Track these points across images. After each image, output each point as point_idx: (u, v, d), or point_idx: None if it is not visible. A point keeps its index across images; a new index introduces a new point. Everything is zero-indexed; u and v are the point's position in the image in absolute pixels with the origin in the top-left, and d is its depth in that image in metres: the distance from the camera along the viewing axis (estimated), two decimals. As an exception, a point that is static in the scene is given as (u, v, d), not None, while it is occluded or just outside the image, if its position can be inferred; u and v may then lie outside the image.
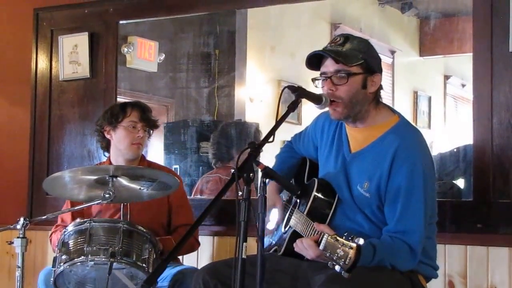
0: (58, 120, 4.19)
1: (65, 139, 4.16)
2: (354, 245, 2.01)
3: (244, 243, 2.02)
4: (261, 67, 5.19)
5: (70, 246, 2.79)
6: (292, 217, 2.56)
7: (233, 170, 2.07)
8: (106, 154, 3.39)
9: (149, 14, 4.08)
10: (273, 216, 2.69)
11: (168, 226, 3.34)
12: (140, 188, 2.93)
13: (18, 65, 4.36)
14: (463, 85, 6.10)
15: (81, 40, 4.10)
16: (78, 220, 2.89)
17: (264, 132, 3.24)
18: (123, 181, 2.88)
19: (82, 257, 2.74)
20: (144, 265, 2.79)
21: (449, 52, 5.80)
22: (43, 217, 2.97)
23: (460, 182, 3.75)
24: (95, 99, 4.08)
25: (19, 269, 2.82)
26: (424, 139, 2.51)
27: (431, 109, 6.24)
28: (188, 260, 3.47)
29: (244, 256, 2.02)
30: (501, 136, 3.06)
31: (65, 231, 2.85)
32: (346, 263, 2.00)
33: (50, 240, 3.32)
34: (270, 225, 2.68)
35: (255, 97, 5.09)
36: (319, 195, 2.50)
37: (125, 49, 4.32)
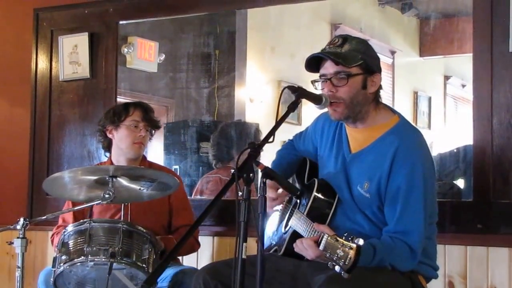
0: (58, 121, 4.19)
1: (65, 139, 4.16)
2: (354, 245, 2.01)
3: (244, 243, 2.02)
4: (261, 68, 5.19)
5: (70, 246, 2.79)
6: (292, 217, 2.56)
7: (233, 170, 2.07)
8: (107, 154, 3.40)
9: (149, 15, 4.08)
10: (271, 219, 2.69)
11: (168, 227, 3.34)
12: (140, 189, 2.93)
13: (18, 65, 4.36)
14: (463, 86, 6.09)
15: (81, 40, 4.10)
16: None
17: (264, 133, 3.24)
18: (123, 181, 2.88)
19: (82, 257, 2.74)
20: (144, 265, 2.79)
21: (449, 53, 5.80)
22: (43, 218, 2.97)
23: (460, 183, 3.75)
24: (95, 99, 4.08)
25: (19, 269, 2.82)
26: (424, 140, 2.51)
27: (431, 110, 6.24)
28: (188, 260, 3.47)
29: (244, 256, 2.02)
30: (501, 136, 3.06)
31: (64, 232, 2.85)
32: (346, 263, 2.00)
33: (52, 241, 3.32)
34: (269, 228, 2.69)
35: (255, 97, 5.09)
36: (319, 195, 2.50)
37: (125, 50, 4.32)
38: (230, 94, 4.94)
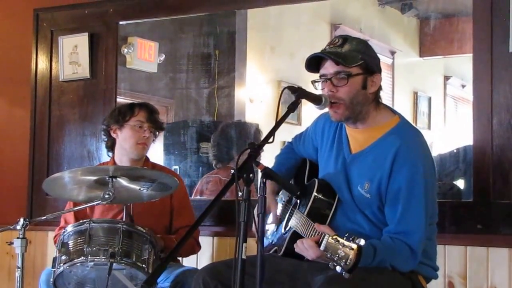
0: (58, 121, 4.19)
1: (65, 139, 4.16)
2: (355, 245, 2.01)
3: (244, 244, 2.02)
4: (261, 68, 5.19)
5: (69, 246, 2.79)
6: (292, 217, 2.56)
7: (233, 171, 2.07)
8: (110, 154, 3.40)
9: (149, 15, 4.08)
10: (268, 220, 2.69)
11: (170, 228, 3.35)
12: (140, 189, 2.93)
13: (18, 66, 4.36)
14: (463, 86, 6.09)
15: (81, 41, 4.10)
16: None
17: (264, 133, 3.24)
18: (123, 181, 2.88)
19: (82, 257, 2.74)
20: (144, 265, 2.79)
21: (449, 53, 5.80)
22: (43, 218, 2.97)
23: (460, 183, 3.75)
24: (95, 99, 4.08)
25: (19, 269, 2.82)
26: (425, 140, 2.51)
27: (431, 110, 6.24)
28: (188, 260, 3.47)
29: (244, 257, 2.02)
30: (501, 137, 3.06)
31: (64, 232, 2.85)
32: (347, 263, 2.00)
33: (55, 242, 3.32)
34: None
35: (255, 97, 5.09)
36: (319, 195, 2.50)
37: (125, 50, 4.32)
38: (230, 94, 4.93)
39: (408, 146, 2.40)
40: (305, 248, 2.29)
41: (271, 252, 2.64)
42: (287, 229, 2.58)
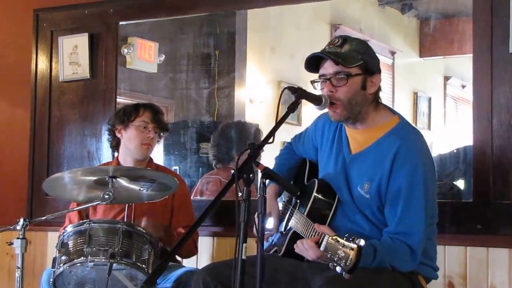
0: (58, 121, 4.19)
1: (65, 140, 4.16)
2: (355, 246, 2.01)
3: (244, 244, 2.02)
4: (261, 68, 5.19)
5: (69, 247, 2.79)
6: (292, 218, 2.56)
7: (233, 171, 2.07)
8: (115, 154, 3.41)
9: (149, 15, 4.08)
10: (268, 225, 2.69)
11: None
12: (139, 189, 2.93)
13: (18, 66, 4.36)
14: (463, 86, 6.10)
15: (81, 41, 4.10)
16: None
17: (264, 133, 3.24)
18: (123, 182, 2.88)
19: (82, 258, 2.74)
20: (143, 266, 2.79)
21: (449, 53, 5.80)
22: (43, 218, 2.97)
23: (460, 183, 3.75)
24: (95, 100, 4.08)
25: (19, 269, 2.82)
26: (425, 140, 2.51)
27: (431, 110, 6.25)
28: (188, 260, 3.46)
29: (244, 257, 2.02)
30: (501, 137, 3.06)
31: (64, 232, 2.85)
32: (347, 264, 2.00)
33: None
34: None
35: (255, 98, 5.09)
36: (319, 196, 2.49)
37: (125, 50, 4.32)
38: (230, 95, 4.94)
39: (407, 147, 2.40)
40: (305, 249, 2.29)
41: (271, 252, 2.64)
42: (287, 229, 2.58)
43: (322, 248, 2.10)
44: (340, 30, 5.36)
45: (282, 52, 5.23)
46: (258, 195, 2.12)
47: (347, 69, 2.41)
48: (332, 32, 5.39)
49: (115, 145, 3.37)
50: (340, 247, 2.03)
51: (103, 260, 2.73)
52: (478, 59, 3.13)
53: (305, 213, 2.47)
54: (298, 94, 2.31)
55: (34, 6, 4.28)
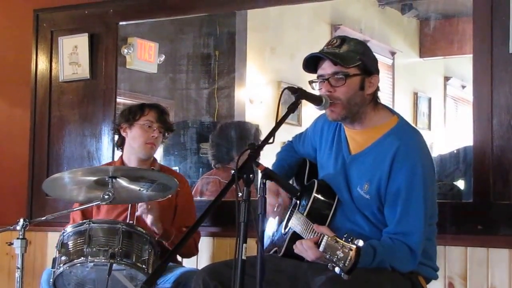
0: (58, 121, 4.19)
1: (65, 140, 4.16)
2: (354, 246, 2.01)
3: (244, 244, 2.02)
4: (261, 68, 5.19)
5: (69, 247, 2.79)
6: (292, 218, 2.56)
7: (233, 171, 2.07)
8: (120, 153, 3.42)
9: (149, 15, 4.08)
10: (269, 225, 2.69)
11: None
12: (139, 189, 2.93)
13: (18, 66, 4.36)
14: (463, 87, 6.10)
15: (81, 41, 4.10)
16: None
17: (264, 133, 3.24)
18: (123, 182, 2.88)
19: (82, 258, 2.74)
20: (143, 266, 2.79)
21: (449, 54, 5.80)
22: (43, 218, 2.97)
23: (460, 184, 3.75)
24: (95, 100, 4.08)
25: (19, 270, 2.82)
26: (424, 140, 2.51)
27: (431, 111, 6.25)
28: (188, 261, 3.46)
29: (244, 257, 2.02)
30: (501, 137, 3.06)
31: (64, 232, 2.85)
32: (346, 264, 2.00)
33: None
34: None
35: (255, 98, 5.09)
36: (319, 196, 2.49)
37: (125, 50, 4.32)
38: (230, 95, 4.94)
39: (407, 147, 2.40)
40: (304, 249, 2.29)
41: (271, 252, 2.63)
42: (286, 229, 2.58)
43: (321, 248, 2.10)
44: (340, 30, 5.36)
45: (282, 52, 5.23)
46: (258, 195, 2.12)
47: (346, 69, 2.41)
48: (332, 33, 5.39)
49: (120, 143, 3.39)
50: (339, 247, 2.03)
51: (103, 260, 2.73)
52: (478, 60, 3.13)
53: (305, 214, 2.46)
54: (298, 95, 2.31)
55: (34, 6, 4.28)
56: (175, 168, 4.47)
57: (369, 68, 2.46)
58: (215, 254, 3.60)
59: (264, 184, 2.16)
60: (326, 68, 2.44)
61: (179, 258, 3.40)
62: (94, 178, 2.88)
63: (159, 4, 3.98)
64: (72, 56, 4.12)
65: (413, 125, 3.21)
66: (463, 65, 5.37)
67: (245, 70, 5.01)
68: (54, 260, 2.80)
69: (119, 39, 4.14)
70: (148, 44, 4.50)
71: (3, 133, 4.39)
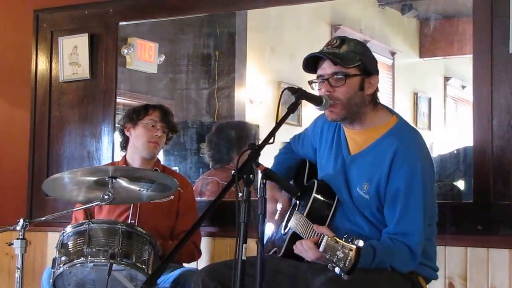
0: (58, 121, 4.19)
1: (65, 140, 4.16)
2: (354, 247, 2.01)
3: (244, 245, 2.02)
4: (261, 69, 5.19)
5: (69, 247, 2.79)
6: (292, 218, 2.56)
7: (233, 171, 2.07)
8: (122, 153, 3.44)
9: (149, 16, 4.08)
10: (278, 206, 2.69)
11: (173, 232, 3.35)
12: (139, 190, 2.93)
13: (18, 66, 4.36)
14: (463, 87, 6.10)
15: (81, 42, 4.09)
16: None
17: (264, 134, 3.24)
18: (123, 182, 2.87)
19: (82, 258, 2.74)
20: (143, 266, 2.78)
21: (449, 54, 5.80)
22: (43, 219, 2.97)
23: (460, 184, 3.75)
24: (95, 100, 4.08)
25: (19, 270, 2.82)
26: (423, 140, 2.51)
27: (431, 111, 6.25)
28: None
29: (244, 258, 2.02)
30: (501, 138, 3.06)
31: (63, 232, 2.85)
32: (346, 265, 2.00)
33: None
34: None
35: (255, 98, 5.09)
36: (319, 196, 2.49)
37: (125, 51, 4.32)
38: (230, 95, 4.94)
39: (406, 147, 2.40)
40: (304, 250, 2.29)
41: (270, 253, 2.63)
42: (286, 230, 2.58)
43: (321, 249, 2.10)
44: (340, 30, 5.36)
45: (282, 52, 5.23)
46: (258, 196, 2.12)
47: (345, 69, 2.41)
48: (332, 33, 5.39)
49: (124, 143, 3.40)
50: (339, 247, 2.03)
51: (103, 260, 2.73)
52: (478, 60, 3.13)
53: (305, 214, 2.46)
54: (299, 95, 2.31)
55: (34, 7, 4.27)
56: (175, 168, 4.47)
57: (368, 68, 2.46)
58: (215, 255, 3.60)
59: (264, 184, 2.16)
60: (326, 68, 2.44)
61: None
62: (94, 178, 2.88)
63: (159, 4, 3.98)
64: (72, 56, 4.12)
65: (413, 125, 3.21)
66: (463, 65, 5.37)
67: (245, 70, 5.02)
68: (54, 260, 2.79)
69: (119, 39, 4.13)
70: (148, 44, 4.50)
71: (3, 133, 4.39)
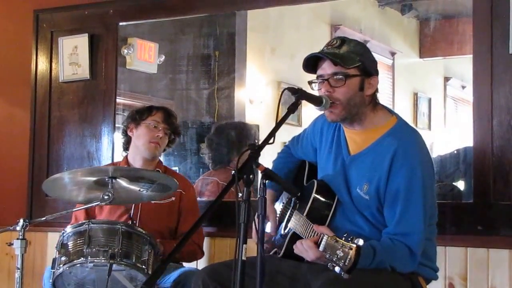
0: (58, 122, 4.19)
1: (65, 140, 4.16)
2: (354, 246, 2.01)
3: (244, 245, 2.02)
4: (261, 69, 5.19)
5: (69, 247, 2.79)
6: (292, 219, 2.55)
7: (233, 172, 2.07)
8: (124, 153, 3.45)
9: (149, 16, 4.08)
10: (267, 229, 2.68)
11: (175, 232, 3.34)
12: (139, 190, 2.93)
13: (18, 67, 4.36)
14: (463, 87, 6.10)
15: (81, 42, 4.09)
16: None
17: (263, 134, 3.24)
18: (123, 182, 2.87)
19: (82, 258, 2.74)
20: (143, 266, 2.78)
21: (449, 54, 5.81)
22: (43, 219, 2.97)
23: (461, 184, 3.75)
24: (95, 100, 4.08)
25: (19, 270, 2.82)
26: (423, 140, 2.51)
27: (431, 111, 6.25)
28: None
29: (244, 258, 2.01)
30: (501, 138, 3.06)
31: (63, 233, 2.85)
32: (346, 264, 2.00)
33: None
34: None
35: (255, 98, 5.09)
36: (319, 196, 2.49)
37: (125, 51, 4.32)
38: (230, 95, 4.94)
39: (405, 147, 2.40)
40: (304, 249, 2.29)
41: (271, 253, 2.63)
42: (286, 230, 2.58)
43: (321, 248, 2.10)
44: (340, 31, 5.36)
45: (282, 52, 5.24)
46: (258, 196, 2.12)
47: (346, 70, 2.41)
48: (332, 33, 5.39)
49: (126, 143, 3.41)
50: (339, 247, 2.03)
51: (103, 260, 2.73)
52: (478, 60, 3.13)
53: (305, 214, 2.46)
54: (298, 95, 2.31)
55: (34, 7, 4.27)
56: (175, 168, 4.47)
57: (368, 69, 2.46)
58: (215, 255, 3.60)
59: (264, 184, 2.16)
60: (326, 68, 2.44)
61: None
62: (94, 179, 2.88)
63: (159, 4, 3.98)
64: (72, 57, 4.12)
65: (413, 125, 3.21)
66: (463, 65, 5.37)
67: (245, 71, 5.02)
68: (54, 260, 2.79)
69: (119, 39, 4.14)
70: (148, 44, 4.50)
71: (3, 133, 4.39)
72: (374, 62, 2.52)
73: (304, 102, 2.35)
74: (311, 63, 2.48)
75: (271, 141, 2.18)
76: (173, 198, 3.28)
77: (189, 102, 5.02)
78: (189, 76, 4.96)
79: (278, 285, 2.45)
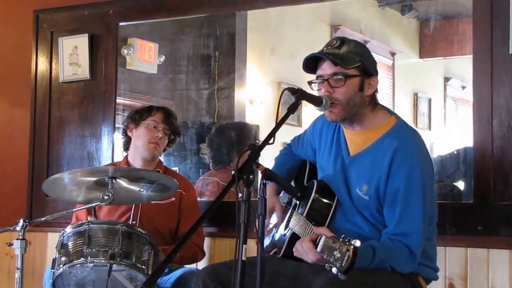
0: (58, 122, 4.19)
1: (64, 140, 4.16)
2: (351, 247, 2.01)
3: (244, 245, 2.02)
4: (261, 69, 5.19)
5: (69, 247, 2.79)
6: (292, 219, 2.56)
7: (233, 172, 2.07)
8: (124, 153, 3.45)
9: (149, 16, 4.08)
10: (272, 220, 2.69)
11: (176, 233, 3.34)
12: (139, 190, 2.93)
13: (18, 67, 4.36)
14: (463, 87, 6.10)
15: (81, 42, 4.09)
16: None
17: (263, 134, 3.24)
18: (123, 182, 2.88)
19: (82, 258, 2.74)
20: (143, 267, 2.78)
21: (449, 54, 5.81)
22: (43, 219, 2.97)
23: (461, 184, 3.75)
24: (95, 100, 4.08)
25: (19, 270, 2.82)
26: (422, 140, 2.51)
27: (431, 111, 6.25)
28: (188, 261, 3.46)
29: (244, 258, 2.02)
30: (501, 138, 3.06)
31: (63, 233, 2.85)
32: (343, 265, 2.00)
33: None
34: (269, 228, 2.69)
35: (255, 99, 5.09)
36: (318, 197, 2.49)
37: (125, 51, 4.32)
38: (230, 96, 4.94)
39: (405, 148, 2.40)
40: (304, 251, 2.29)
41: (271, 253, 2.63)
42: (286, 230, 2.58)
43: (318, 249, 2.10)
44: (340, 31, 5.36)
45: (282, 53, 5.24)
46: (258, 196, 2.12)
47: (345, 70, 2.41)
48: (332, 33, 5.40)
49: (126, 143, 3.41)
50: (336, 247, 2.03)
51: (102, 261, 2.72)
52: (478, 60, 3.13)
53: (304, 214, 2.46)
54: (298, 95, 2.31)
55: (34, 7, 4.27)
56: (175, 168, 4.47)
57: (368, 69, 2.46)
58: (215, 255, 3.60)
59: (264, 184, 2.16)
60: (326, 68, 2.44)
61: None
62: (94, 179, 2.88)
63: (159, 4, 3.98)
64: (72, 57, 4.12)
65: (413, 125, 3.22)
66: (463, 65, 5.37)
67: (245, 71, 5.02)
68: (54, 260, 2.79)
69: (119, 39, 4.13)
70: (148, 44, 4.50)
71: (3, 133, 4.39)
72: (374, 63, 2.52)
73: (304, 102, 2.35)
74: (311, 63, 2.48)
75: (271, 141, 2.18)
76: (173, 199, 3.28)
77: (189, 102, 5.02)
78: (189, 77, 4.96)
79: (279, 285, 2.45)
